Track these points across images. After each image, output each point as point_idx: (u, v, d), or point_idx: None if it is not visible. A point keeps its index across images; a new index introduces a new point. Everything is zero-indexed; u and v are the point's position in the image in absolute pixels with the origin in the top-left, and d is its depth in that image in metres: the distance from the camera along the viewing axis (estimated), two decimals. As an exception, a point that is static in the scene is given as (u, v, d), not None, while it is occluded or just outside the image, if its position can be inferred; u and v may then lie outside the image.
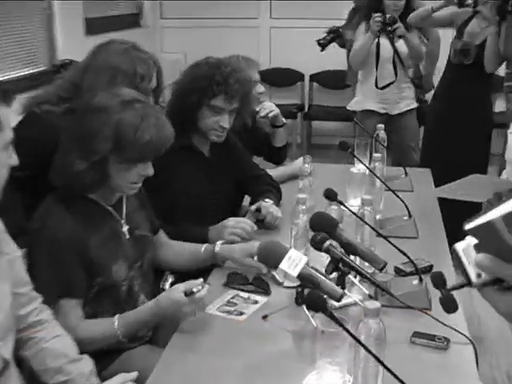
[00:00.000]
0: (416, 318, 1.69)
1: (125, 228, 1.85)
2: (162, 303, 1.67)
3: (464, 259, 0.75)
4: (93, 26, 4.89)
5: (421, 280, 1.81)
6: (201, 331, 1.67)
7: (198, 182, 2.40)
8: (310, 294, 1.29)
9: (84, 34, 4.81)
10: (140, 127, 1.67)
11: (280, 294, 1.85)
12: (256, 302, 1.81)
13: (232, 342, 1.62)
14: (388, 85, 3.90)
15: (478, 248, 0.73)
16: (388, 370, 1.18)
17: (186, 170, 2.37)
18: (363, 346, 1.18)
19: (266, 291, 1.86)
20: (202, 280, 1.67)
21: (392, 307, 1.73)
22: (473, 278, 0.74)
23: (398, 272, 1.94)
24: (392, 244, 1.85)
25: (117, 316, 1.71)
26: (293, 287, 1.80)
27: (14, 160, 1.37)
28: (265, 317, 1.72)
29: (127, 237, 1.85)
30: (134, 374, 1.37)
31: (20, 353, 1.54)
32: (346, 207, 1.95)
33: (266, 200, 2.40)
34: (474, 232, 0.70)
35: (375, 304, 1.29)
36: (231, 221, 2.19)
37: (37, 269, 1.65)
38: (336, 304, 1.67)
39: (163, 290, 2.00)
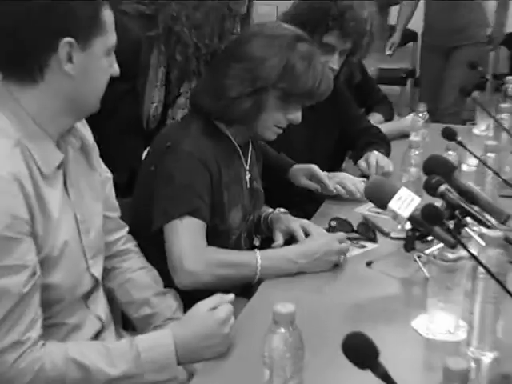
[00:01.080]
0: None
1: (247, 176, 2.03)
2: (314, 242, 1.86)
3: None
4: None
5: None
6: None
7: (300, 132, 2.54)
8: (425, 207, 1.41)
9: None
10: (311, 66, 1.86)
11: (386, 244, 1.99)
12: (363, 247, 1.98)
13: (332, 284, 1.79)
14: None
15: None
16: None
17: None
18: (487, 270, 1.28)
19: (372, 239, 2.00)
20: None
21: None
22: None
23: (524, 230, 2.02)
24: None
25: (256, 249, 1.85)
26: (401, 238, 1.91)
27: (115, 69, 1.51)
28: (369, 263, 1.86)
29: (248, 186, 2.03)
30: (231, 296, 1.53)
31: (105, 283, 1.73)
32: (467, 149, 2.05)
33: (375, 152, 2.53)
34: None
35: (497, 232, 1.39)
36: (348, 179, 2.32)
37: (165, 183, 1.82)
38: (450, 255, 1.77)
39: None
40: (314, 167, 2.28)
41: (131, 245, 1.81)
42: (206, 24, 2.19)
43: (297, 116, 1.93)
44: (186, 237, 1.77)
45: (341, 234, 1.90)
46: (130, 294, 1.74)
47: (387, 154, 2.66)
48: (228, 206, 1.92)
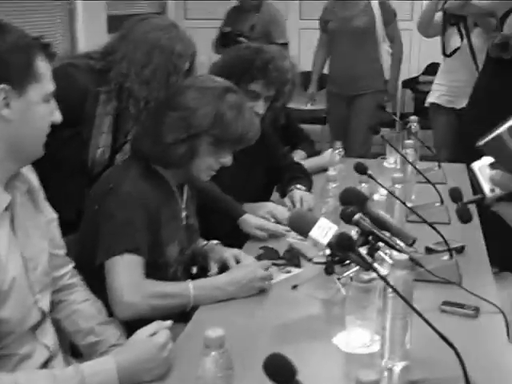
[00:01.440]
0: (446, 291, 1.83)
1: (183, 213, 2.04)
2: (241, 270, 1.88)
3: (479, 176, 0.92)
4: (115, 24, 5.13)
5: (451, 256, 1.95)
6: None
7: (234, 172, 2.58)
8: (339, 236, 1.45)
9: (106, 32, 5.06)
10: (240, 115, 1.89)
11: (310, 268, 2.02)
12: (289, 272, 2.01)
13: (261, 307, 1.80)
14: (455, 51, 3.91)
15: (492, 166, 0.90)
16: (419, 314, 1.31)
17: None
18: (394, 290, 1.32)
19: (296, 265, 2.04)
20: None
21: (422, 281, 1.86)
22: (487, 192, 0.90)
23: (429, 251, 2.08)
24: (424, 220, 2.00)
25: (189, 280, 1.85)
26: (322, 263, 1.95)
27: (57, 117, 1.51)
28: (294, 287, 1.89)
29: (184, 222, 2.04)
30: (169, 323, 1.53)
31: (53, 315, 1.70)
32: (376, 181, 2.11)
33: (298, 186, 2.59)
34: (485, 148, 0.87)
35: (403, 255, 1.44)
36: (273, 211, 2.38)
37: (107, 222, 1.81)
38: (365, 277, 1.82)
39: None
40: (267, 225, 2.28)
41: (76, 279, 1.79)
42: (153, 80, 2.22)
43: (228, 160, 1.96)
44: (125, 272, 1.77)
45: (264, 262, 1.93)
46: (77, 324, 1.73)
47: (309, 186, 2.71)
48: (166, 242, 1.92)
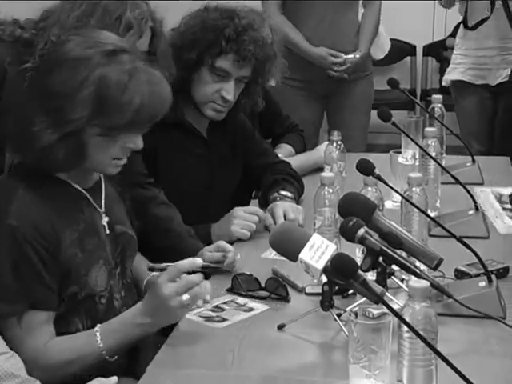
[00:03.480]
0: (484, 329, 1.87)
1: (104, 220, 2.01)
2: (150, 295, 1.87)
3: None
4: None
5: (490, 281, 1.99)
6: (196, 342, 1.87)
7: (193, 171, 2.60)
8: (338, 258, 1.48)
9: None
10: (128, 86, 1.81)
11: (300, 301, 2.05)
12: (250, 310, 2.03)
13: (237, 354, 1.81)
14: (481, 22, 3.95)
15: None
16: (446, 361, 1.34)
17: (177, 156, 2.58)
18: (412, 329, 1.35)
19: (283, 297, 2.06)
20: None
21: (451, 316, 1.91)
22: None
23: (460, 276, 2.12)
24: (452, 234, 2.03)
25: (98, 325, 1.86)
26: (317, 294, 1.98)
27: None
28: (281, 326, 1.91)
29: (107, 232, 2.01)
30: (113, 380, 1.55)
31: None
32: (387, 184, 2.14)
33: (283, 193, 2.61)
34: None
35: (422, 282, 1.47)
36: (239, 211, 2.41)
37: None
38: (373, 312, 1.84)
39: None
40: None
41: None
42: None
43: (137, 144, 1.90)
44: (23, 341, 1.80)
45: (170, 270, 1.87)
46: None
47: (299, 192, 2.75)
48: (85, 267, 1.90)
